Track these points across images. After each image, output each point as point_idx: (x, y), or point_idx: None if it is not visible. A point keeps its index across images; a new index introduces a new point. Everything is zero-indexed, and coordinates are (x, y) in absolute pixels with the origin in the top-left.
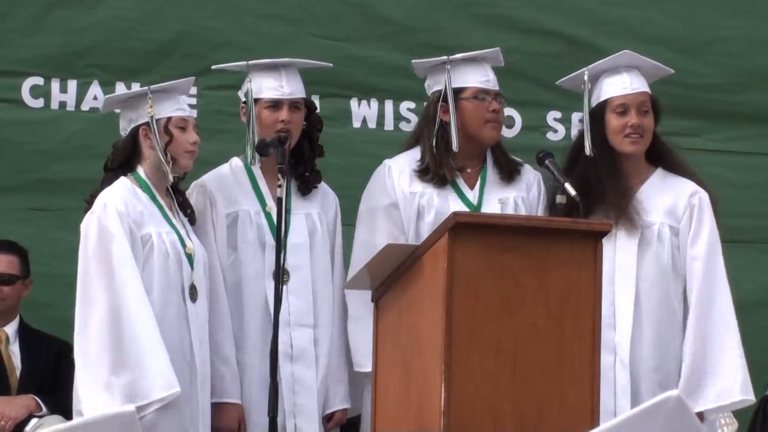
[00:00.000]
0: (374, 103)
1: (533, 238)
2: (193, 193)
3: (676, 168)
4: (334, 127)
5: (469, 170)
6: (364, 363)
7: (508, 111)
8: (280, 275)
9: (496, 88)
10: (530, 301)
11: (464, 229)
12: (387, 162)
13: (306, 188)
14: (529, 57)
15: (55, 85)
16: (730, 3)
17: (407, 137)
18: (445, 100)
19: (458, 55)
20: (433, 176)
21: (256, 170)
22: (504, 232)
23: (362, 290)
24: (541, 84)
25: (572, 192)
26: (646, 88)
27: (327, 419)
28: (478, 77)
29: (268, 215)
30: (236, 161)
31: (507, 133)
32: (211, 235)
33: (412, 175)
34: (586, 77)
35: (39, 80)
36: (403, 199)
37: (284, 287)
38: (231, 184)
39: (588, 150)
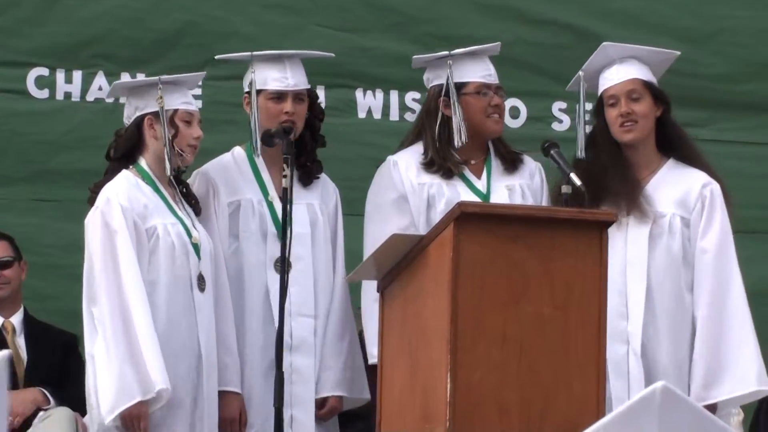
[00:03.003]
0: (379, 94)
1: (539, 227)
2: (195, 182)
3: (689, 158)
4: (339, 117)
5: (473, 161)
6: (374, 353)
7: (514, 101)
8: (286, 265)
9: (497, 81)
10: (535, 291)
11: (469, 218)
12: (391, 158)
13: (307, 178)
14: (534, 47)
15: (60, 75)
16: None
17: (408, 130)
18: (447, 94)
19: (459, 50)
20: (438, 168)
21: (259, 160)
22: (509, 221)
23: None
24: (547, 74)
25: (578, 182)
26: (636, 75)
27: (319, 406)
28: (479, 72)
29: (270, 204)
30: (239, 150)
31: (512, 123)
32: (213, 223)
33: (419, 168)
34: (581, 78)
35: (44, 71)
36: (412, 191)
37: (287, 276)
38: (233, 173)
39: (579, 153)
